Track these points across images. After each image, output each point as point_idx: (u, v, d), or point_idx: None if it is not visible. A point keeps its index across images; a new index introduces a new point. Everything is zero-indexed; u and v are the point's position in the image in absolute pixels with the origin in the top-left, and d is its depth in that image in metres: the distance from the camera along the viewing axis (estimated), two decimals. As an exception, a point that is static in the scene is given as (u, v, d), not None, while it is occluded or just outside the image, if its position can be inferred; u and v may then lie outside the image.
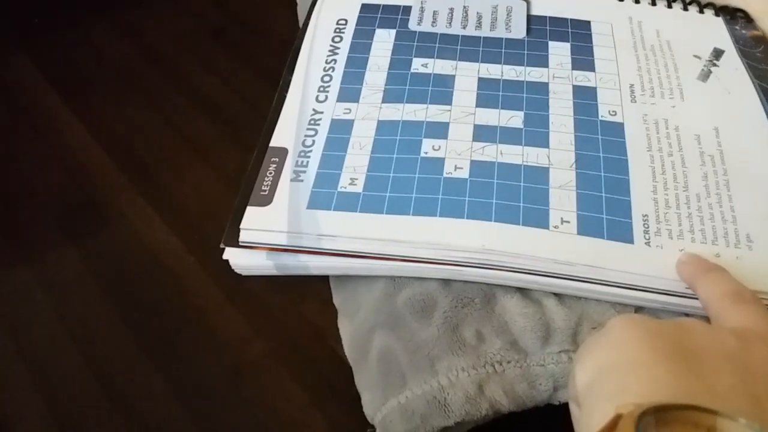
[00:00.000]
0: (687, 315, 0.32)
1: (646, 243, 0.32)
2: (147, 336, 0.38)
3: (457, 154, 0.35)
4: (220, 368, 0.37)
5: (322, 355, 0.37)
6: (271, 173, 0.35)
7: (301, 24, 0.45)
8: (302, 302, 0.39)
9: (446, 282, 0.33)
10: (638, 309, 0.32)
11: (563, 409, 0.30)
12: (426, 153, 0.35)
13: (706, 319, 0.32)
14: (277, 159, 0.36)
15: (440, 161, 0.35)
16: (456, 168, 0.35)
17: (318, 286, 0.37)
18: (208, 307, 0.39)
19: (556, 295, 0.32)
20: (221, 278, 0.40)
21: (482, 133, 0.36)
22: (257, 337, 0.38)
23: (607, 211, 0.33)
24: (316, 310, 0.38)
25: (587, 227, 0.32)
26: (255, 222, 0.33)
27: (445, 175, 0.34)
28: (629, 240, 0.32)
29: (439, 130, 0.36)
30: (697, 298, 0.31)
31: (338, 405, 0.35)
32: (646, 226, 0.32)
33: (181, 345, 0.38)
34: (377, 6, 0.44)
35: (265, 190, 0.35)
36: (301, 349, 0.38)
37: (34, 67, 0.55)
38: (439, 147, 0.36)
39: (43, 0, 0.61)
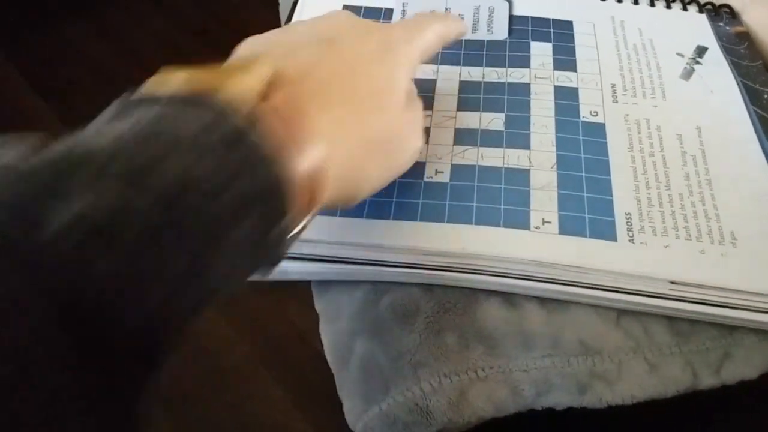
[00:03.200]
0: (670, 318, 0.32)
1: (630, 240, 0.32)
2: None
3: (437, 158, 0.35)
4: (202, 372, 0.37)
5: (306, 357, 0.37)
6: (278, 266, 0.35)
7: (282, 24, 0.45)
8: (285, 304, 0.39)
9: (428, 287, 0.33)
10: (621, 312, 0.32)
11: (552, 414, 0.30)
12: None
13: (691, 323, 0.32)
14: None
15: (421, 166, 0.35)
16: (436, 172, 0.34)
17: (301, 288, 0.37)
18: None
19: (538, 299, 0.32)
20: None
21: (463, 137, 0.36)
22: (240, 340, 0.38)
23: (589, 210, 0.33)
24: (300, 312, 0.38)
25: (569, 227, 0.32)
26: None
27: (425, 179, 0.34)
28: (612, 238, 0.32)
29: None
30: (679, 300, 0.31)
31: (322, 408, 0.35)
32: (629, 224, 0.32)
33: (162, 351, 0.37)
34: (359, 8, 0.44)
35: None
36: (285, 352, 0.37)
37: (13, 67, 0.55)
38: (420, 151, 0.35)
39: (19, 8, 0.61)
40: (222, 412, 0.35)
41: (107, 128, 0.20)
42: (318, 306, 0.36)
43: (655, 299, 0.31)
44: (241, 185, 0.20)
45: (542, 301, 0.32)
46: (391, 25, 0.34)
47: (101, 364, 0.17)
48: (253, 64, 0.25)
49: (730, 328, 0.32)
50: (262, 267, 0.24)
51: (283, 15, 0.47)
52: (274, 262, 0.25)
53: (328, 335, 0.34)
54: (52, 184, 0.18)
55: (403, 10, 0.44)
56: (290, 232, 0.24)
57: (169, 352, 0.19)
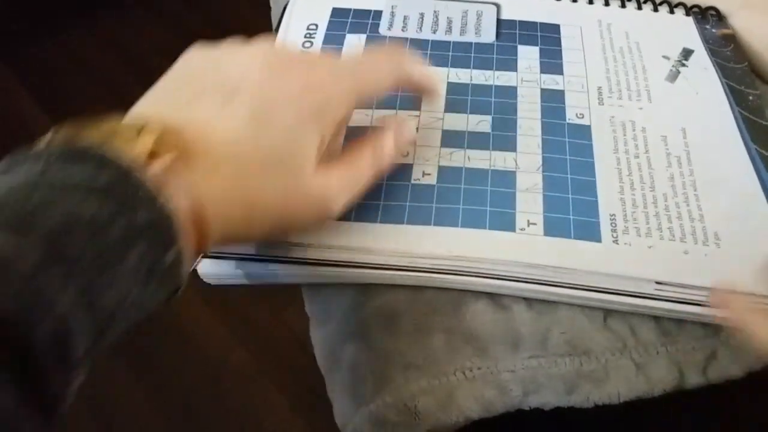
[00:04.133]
0: (656, 318, 0.32)
1: (614, 241, 0.32)
2: (126, 347, 0.38)
3: (425, 160, 0.35)
4: (200, 377, 0.37)
5: (304, 361, 0.37)
6: (178, 294, 0.35)
7: (273, 28, 0.45)
8: (283, 309, 0.39)
9: (416, 289, 0.33)
10: (608, 312, 0.32)
11: (541, 414, 0.30)
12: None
13: (677, 323, 0.32)
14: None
15: (408, 168, 0.35)
16: (424, 174, 0.34)
17: (298, 292, 0.37)
18: (188, 316, 0.39)
19: (525, 300, 0.32)
20: (201, 286, 0.40)
21: (450, 139, 0.36)
22: (238, 345, 0.38)
23: (574, 211, 0.33)
24: (297, 317, 0.38)
25: (554, 228, 0.32)
26: None
27: (413, 181, 0.34)
28: (597, 239, 0.32)
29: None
30: (665, 300, 0.31)
31: (320, 411, 0.35)
32: (613, 225, 0.33)
33: (161, 355, 0.38)
34: (348, 10, 0.44)
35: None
36: (283, 357, 0.38)
37: (11, 73, 0.55)
38: (408, 153, 0.36)
39: (21, 7, 0.61)
40: (221, 417, 0.35)
41: None
42: (309, 309, 0.36)
43: (642, 299, 0.31)
44: (126, 219, 0.22)
45: (529, 302, 0.32)
46: (316, 66, 0.30)
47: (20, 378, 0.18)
48: (142, 128, 0.25)
49: (716, 328, 0.32)
50: (161, 297, 0.24)
51: (274, 20, 0.47)
52: (174, 293, 0.25)
53: (318, 338, 0.34)
54: None
55: (392, 12, 0.44)
56: (183, 264, 0.24)
57: (78, 374, 0.21)
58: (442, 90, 0.39)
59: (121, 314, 0.22)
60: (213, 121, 0.27)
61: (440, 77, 0.40)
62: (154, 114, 0.27)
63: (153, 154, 0.24)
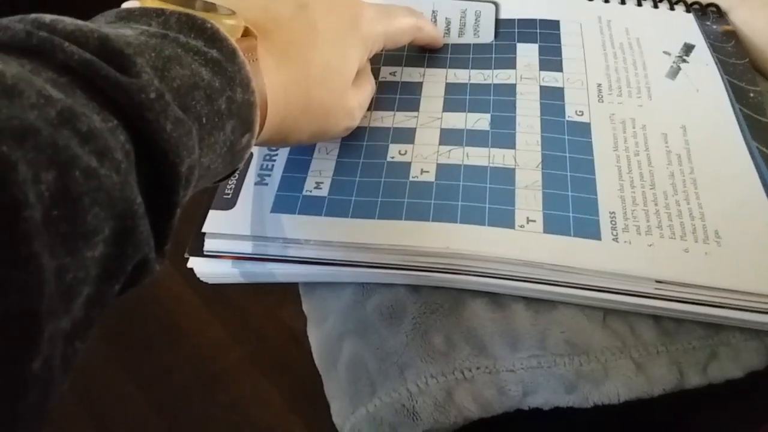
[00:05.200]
0: (656, 317, 0.32)
1: (614, 239, 0.32)
2: (121, 343, 0.38)
3: (423, 158, 0.35)
4: (196, 374, 0.37)
5: (299, 360, 0.37)
6: (234, 176, 0.35)
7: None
8: (279, 307, 0.39)
9: (415, 288, 0.33)
10: (607, 311, 0.32)
11: (540, 414, 0.30)
12: (392, 158, 0.35)
13: (677, 322, 0.32)
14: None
15: (406, 165, 0.35)
16: (422, 172, 0.34)
17: (294, 291, 0.37)
18: (184, 313, 0.39)
19: (524, 299, 0.32)
20: (197, 283, 0.40)
21: (449, 137, 0.36)
22: (233, 342, 0.38)
23: (573, 209, 0.33)
24: (293, 315, 0.38)
25: (554, 225, 0.32)
26: (218, 225, 0.33)
27: (411, 179, 0.34)
28: (597, 236, 0.32)
29: (406, 136, 0.36)
30: (665, 299, 0.31)
31: (316, 410, 0.35)
32: (613, 222, 0.32)
33: (156, 352, 0.37)
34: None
35: (228, 194, 0.35)
36: (278, 355, 0.37)
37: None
38: (406, 152, 0.35)
39: (21, 6, 0.61)
40: (215, 414, 0.35)
41: (120, 30, 0.23)
42: (306, 307, 0.36)
43: (641, 298, 0.31)
44: (229, 93, 0.24)
45: (528, 301, 0.32)
46: (365, 3, 0.35)
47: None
48: (233, 14, 0.27)
49: (717, 327, 0.32)
50: (225, 174, 0.27)
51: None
52: (232, 173, 0.28)
53: (315, 337, 0.34)
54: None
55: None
56: (249, 150, 0.27)
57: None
58: (441, 90, 0.39)
59: (207, 175, 0.24)
60: (286, 21, 0.30)
61: (438, 79, 0.40)
62: (236, 6, 0.28)
63: (244, 35, 0.27)
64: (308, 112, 0.31)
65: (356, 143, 0.36)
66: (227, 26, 0.26)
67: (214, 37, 0.24)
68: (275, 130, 0.29)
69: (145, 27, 0.23)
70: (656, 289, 0.31)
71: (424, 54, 0.41)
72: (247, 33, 0.28)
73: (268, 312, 0.38)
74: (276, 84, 0.28)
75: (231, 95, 0.24)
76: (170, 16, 0.24)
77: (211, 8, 0.27)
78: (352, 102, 0.33)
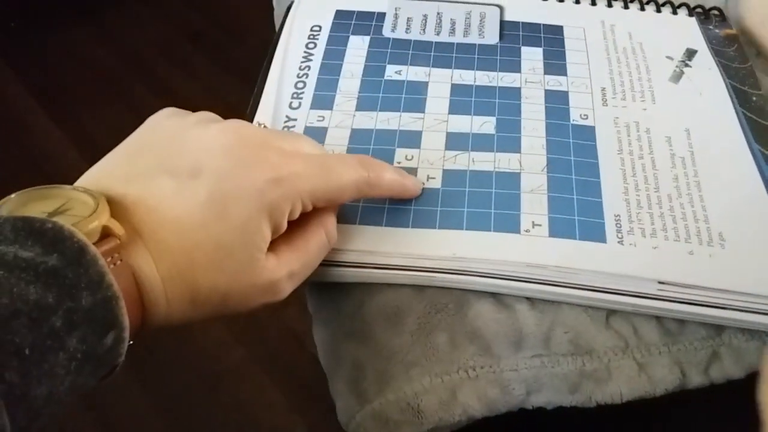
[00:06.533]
0: (659, 318, 0.32)
1: (619, 242, 0.32)
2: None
3: (429, 163, 0.35)
4: (199, 375, 0.37)
5: (303, 360, 0.37)
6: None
7: (276, 30, 0.45)
8: (282, 308, 0.39)
9: (419, 288, 0.33)
10: (610, 312, 0.32)
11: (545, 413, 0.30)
12: (399, 163, 0.35)
13: (679, 323, 0.32)
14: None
15: (413, 172, 0.35)
16: (429, 178, 0.35)
17: (298, 292, 0.37)
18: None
19: (528, 300, 0.33)
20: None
21: (455, 141, 0.36)
22: (237, 343, 0.38)
23: (578, 212, 0.33)
24: (296, 316, 0.39)
25: (559, 229, 0.32)
26: None
27: None
28: (602, 239, 0.32)
29: (412, 139, 0.37)
30: (668, 300, 0.31)
31: (319, 410, 0.35)
32: (618, 225, 0.33)
33: (159, 352, 0.38)
34: (351, 12, 0.44)
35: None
36: (282, 355, 0.38)
37: (9, 70, 0.55)
38: (412, 157, 0.36)
39: (21, 4, 0.61)
40: (218, 414, 0.35)
41: None
42: (311, 307, 0.36)
43: (644, 299, 0.31)
44: (68, 308, 0.22)
45: (533, 301, 0.33)
46: (288, 158, 0.29)
47: None
48: (98, 204, 0.25)
49: (719, 328, 0.32)
50: (96, 378, 0.24)
51: (277, 20, 0.47)
52: (110, 372, 0.25)
53: (321, 336, 0.35)
54: None
55: (395, 14, 0.44)
56: (123, 345, 0.24)
57: None
58: (446, 91, 0.39)
59: (54, 400, 0.22)
60: (168, 200, 0.26)
61: (443, 80, 0.40)
62: (111, 182, 0.27)
63: (105, 232, 0.24)
64: (198, 302, 0.27)
65: (363, 147, 0.36)
66: (86, 231, 0.24)
67: (56, 239, 0.22)
68: (172, 312, 0.27)
69: None
70: (659, 290, 0.31)
71: (430, 53, 0.42)
72: (110, 232, 0.25)
73: (271, 313, 0.38)
74: (153, 279, 0.26)
75: (72, 305, 0.22)
76: (4, 224, 0.22)
77: (74, 205, 0.25)
78: (273, 275, 0.28)
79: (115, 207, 0.26)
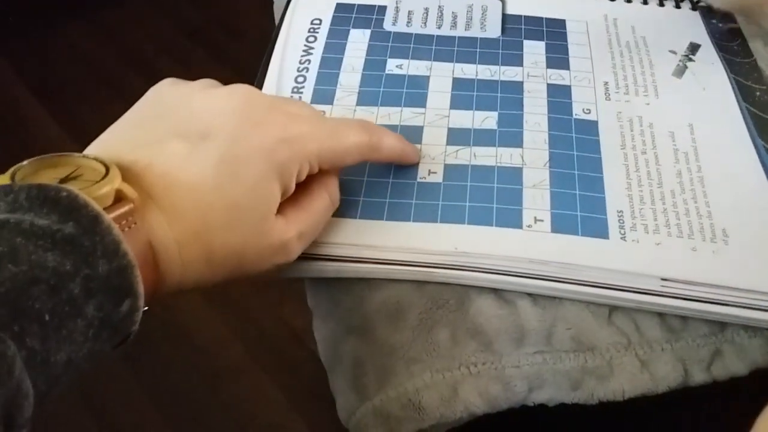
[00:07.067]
0: (661, 314, 0.32)
1: (621, 238, 0.32)
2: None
3: (431, 158, 0.35)
4: (197, 372, 0.37)
5: (301, 357, 0.37)
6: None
7: (276, 23, 0.45)
8: (281, 304, 0.39)
9: (420, 284, 0.33)
10: (613, 308, 0.32)
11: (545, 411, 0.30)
12: None
13: (682, 319, 0.32)
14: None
15: (414, 166, 0.35)
16: (430, 173, 0.34)
17: (297, 288, 0.37)
18: (184, 310, 0.39)
19: (530, 296, 0.32)
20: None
21: (456, 137, 0.36)
22: (235, 340, 0.38)
23: (581, 208, 0.33)
24: (295, 313, 0.38)
25: (561, 225, 0.32)
26: None
27: (419, 179, 0.34)
28: (604, 235, 0.32)
29: (414, 135, 0.36)
30: (670, 296, 0.31)
31: (318, 407, 0.35)
32: (621, 221, 0.32)
33: (158, 349, 0.38)
34: (352, 5, 0.44)
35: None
36: (280, 352, 0.37)
37: (8, 65, 0.55)
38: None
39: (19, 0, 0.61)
40: (218, 413, 0.35)
41: None
42: (311, 303, 0.36)
43: (647, 296, 0.31)
44: (85, 275, 0.22)
45: (534, 297, 0.32)
46: (292, 120, 0.29)
47: None
48: (108, 170, 0.25)
49: (721, 325, 0.32)
50: (111, 345, 0.24)
51: (277, 14, 0.47)
52: (125, 339, 0.25)
53: (321, 332, 0.34)
54: None
55: (396, 7, 0.44)
56: (138, 312, 0.24)
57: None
58: (448, 85, 0.39)
59: (72, 367, 0.22)
60: (180, 163, 0.27)
61: (445, 74, 0.40)
62: (120, 150, 0.27)
63: (117, 196, 0.25)
64: (213, 263, 0.27)
65: None
66: (97, 195, 0.24)
67: (71, 207, 0.22)
68: (186, 276, 0.27)
69: None
70: (662, 286, 0.31)
71: (431, 47, 0.41)
72: (123, 196, 0.25)
73: (269, 310, 0.38)
74: (167, 241, 0.26)
75: (89, 273, 0.22)
76: (19, 192, 0.22)
77: (84, 171, 0.25)
78: (283, 235, 0.29)
79: (126, 173, 0.26)
